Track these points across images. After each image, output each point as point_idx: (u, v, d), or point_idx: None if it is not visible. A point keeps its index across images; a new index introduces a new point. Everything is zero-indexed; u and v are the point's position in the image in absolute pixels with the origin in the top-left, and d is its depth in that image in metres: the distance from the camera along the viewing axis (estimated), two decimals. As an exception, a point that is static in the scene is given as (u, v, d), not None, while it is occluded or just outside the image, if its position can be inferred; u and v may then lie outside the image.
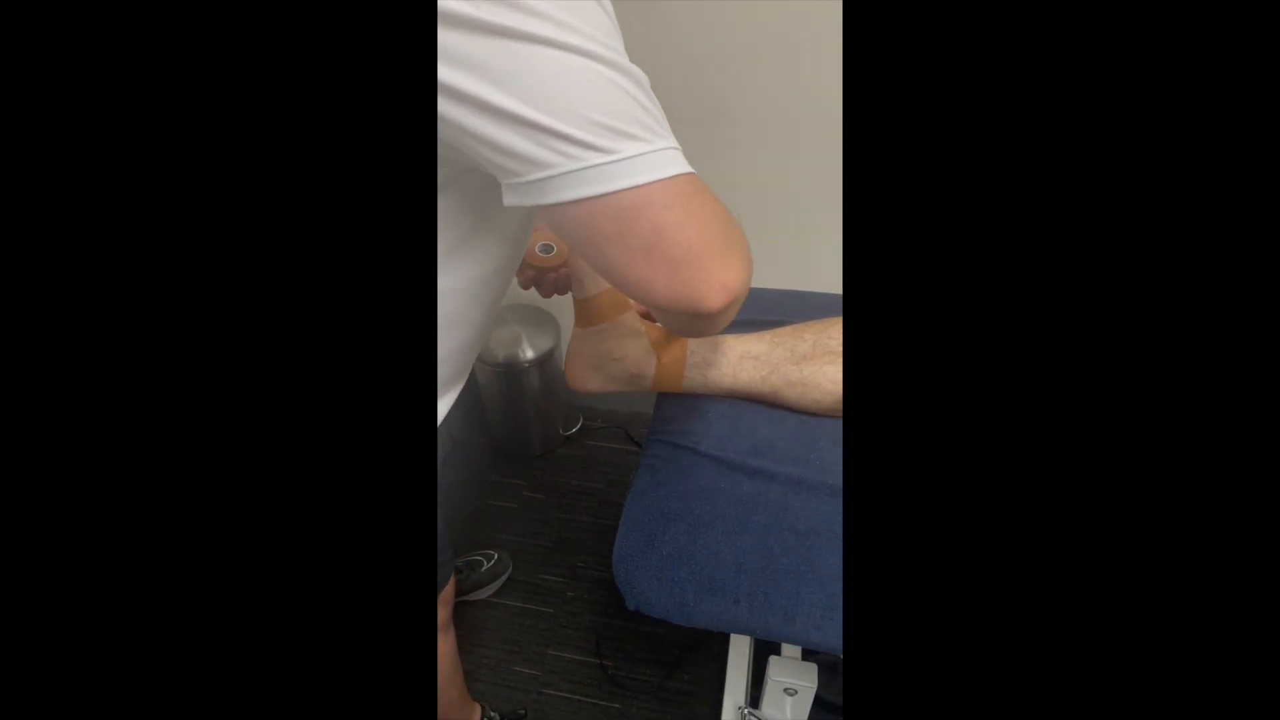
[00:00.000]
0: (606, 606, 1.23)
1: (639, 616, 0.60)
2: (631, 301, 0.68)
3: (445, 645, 0.85)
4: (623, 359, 0.68)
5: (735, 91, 1.09)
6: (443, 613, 0.80)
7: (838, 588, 0.55)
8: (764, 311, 0.86)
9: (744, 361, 0.68)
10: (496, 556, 1.28)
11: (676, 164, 0.38)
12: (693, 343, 0.69)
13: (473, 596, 1.24)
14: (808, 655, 0.90)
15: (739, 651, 1.01)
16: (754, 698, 0.99)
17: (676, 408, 0.73)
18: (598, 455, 1.51)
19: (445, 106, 0.36)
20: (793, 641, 0.56)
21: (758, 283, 0.94)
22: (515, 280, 0.67)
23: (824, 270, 1.16)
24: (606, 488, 1.44)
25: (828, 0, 1.00)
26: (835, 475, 0.62)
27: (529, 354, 1.35)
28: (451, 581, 0.79)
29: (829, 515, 0.59)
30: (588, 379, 0.71)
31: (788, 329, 0.68)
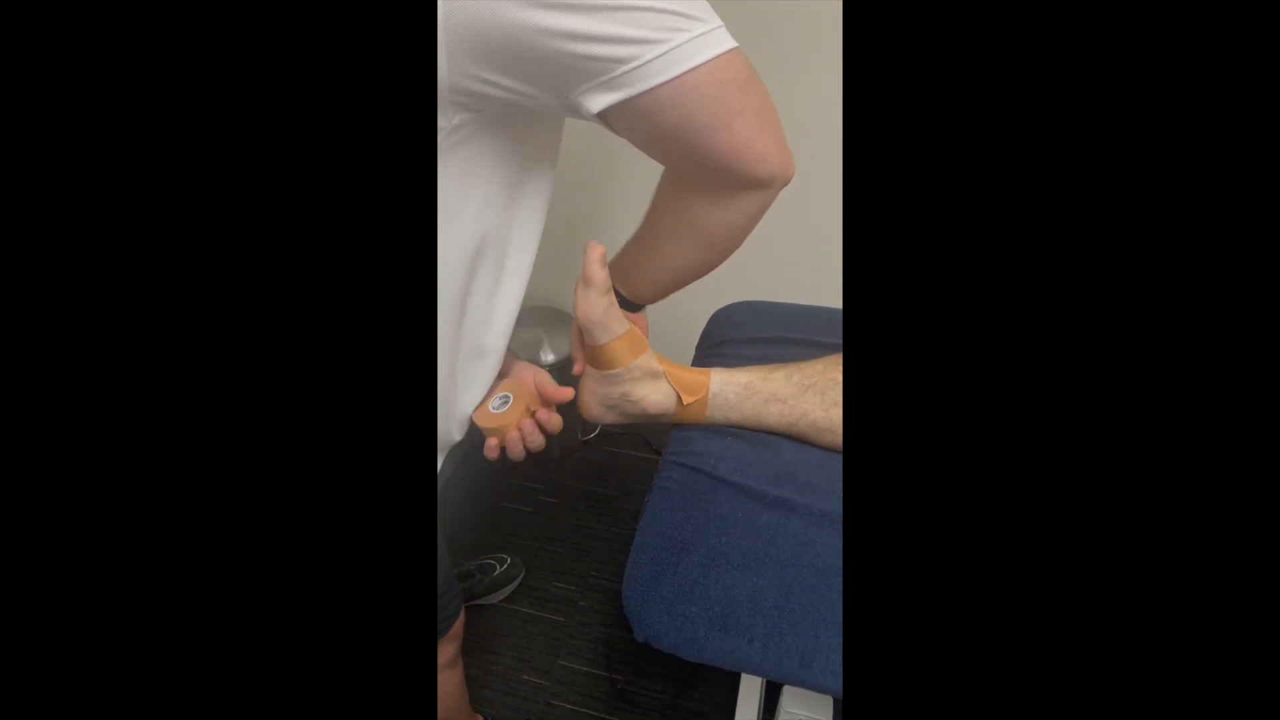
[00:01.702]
0: (618, 618, 1.21)
1: (637, 640, 0.57)
2: (648, 342, 0.65)
3: (454, 679, 0.83)
4: (640, 401, 0.65)
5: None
6: (452, 648, 0.79)
7: (858, 632, 0.52)
8: (792, 329, 0.83)
9: (770, 405, 0.65)
10: (509, 561, 1.27)
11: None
12: (715, 384, 0.66)
13: (483, 601, 1.23)
14: (823, 685, 0.87)
15: (751, 676, 0.98)
16: (766, 723, 0.96)
17: (695, 428, 0.70)
18: (616, 462, 1.49)
19: (541, 16, 0.38)
20: (808, 687, 0.53)
21: (784, 297, 0.92)
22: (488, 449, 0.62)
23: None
24: (623, 496, 1.42)
25: (828, 1, 0.96)
26: (860, 509, 0.59)
27: (549, 357, 1.33)
28: (461, 617, 0.77)
29: (852, 552, 0.56)
30: (603, 414, 0.68)
31: (819, 366, 0.64)
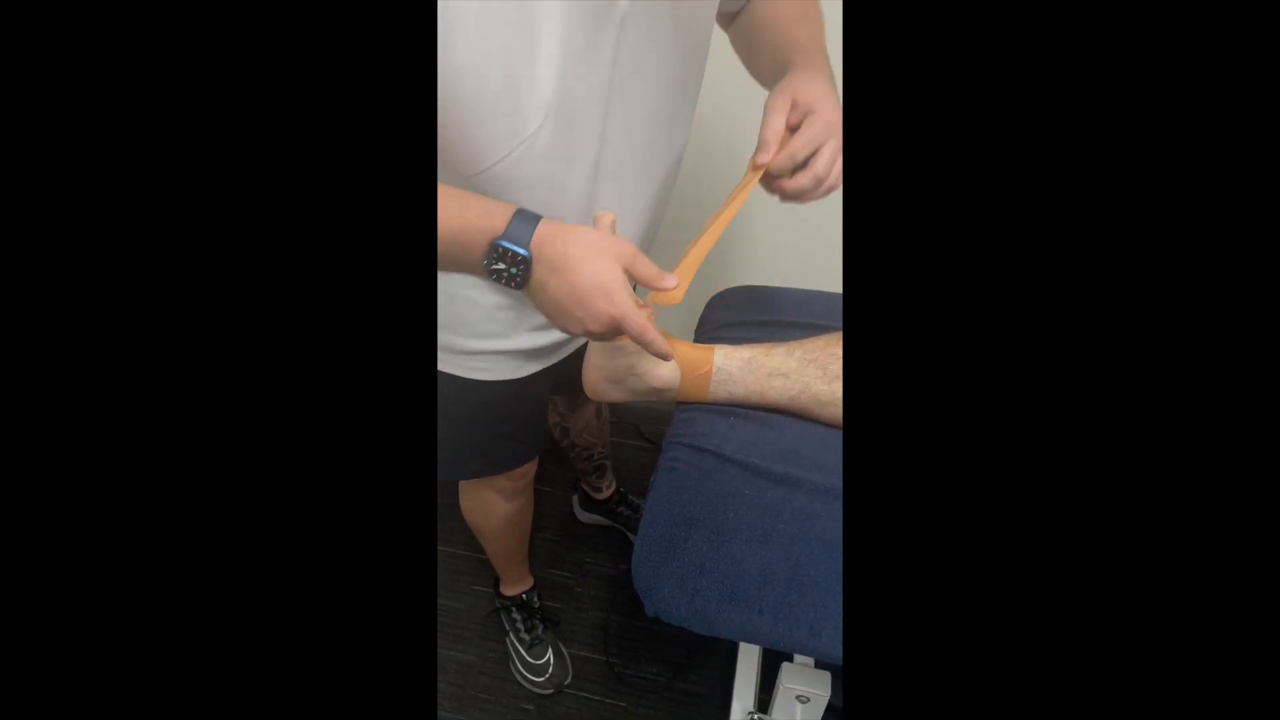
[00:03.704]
0: (614, 603, 1.22)
1: (647, 615, 0.59)
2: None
3: (513, 505, 0.97)
4: (645, 374, 0.66)
5: (757, 90, 1.06)
6: (522, 482, 0.93)
7: (865, 602, 0.53)
8: (790, 312, 0.84)
9: (772, 379, 0.66)
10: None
11: None
12: (719, 359, 0.67)
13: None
14: (822, 663, 0.89)
15: (749, 655, 1.00)
16: (763, 702, 0.97)
17: (698, 409, 0.71)
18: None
19: None
20: (819, 656, 0.54)
21: (785, 282, 0.93)
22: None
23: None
24: (617, 483, 1.42)
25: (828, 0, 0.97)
26: (863, 485, 0.60)
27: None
28: (535, 461, 0.92)
29: (856, 526, 0.58)
30: (608, 391, 0.68)
31: (820, 342, 0.66)
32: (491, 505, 0.97)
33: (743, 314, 0.86)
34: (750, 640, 0.56)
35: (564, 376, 0.82)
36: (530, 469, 0.93)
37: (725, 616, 0.55)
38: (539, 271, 0.47)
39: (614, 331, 0.49)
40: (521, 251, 0.46)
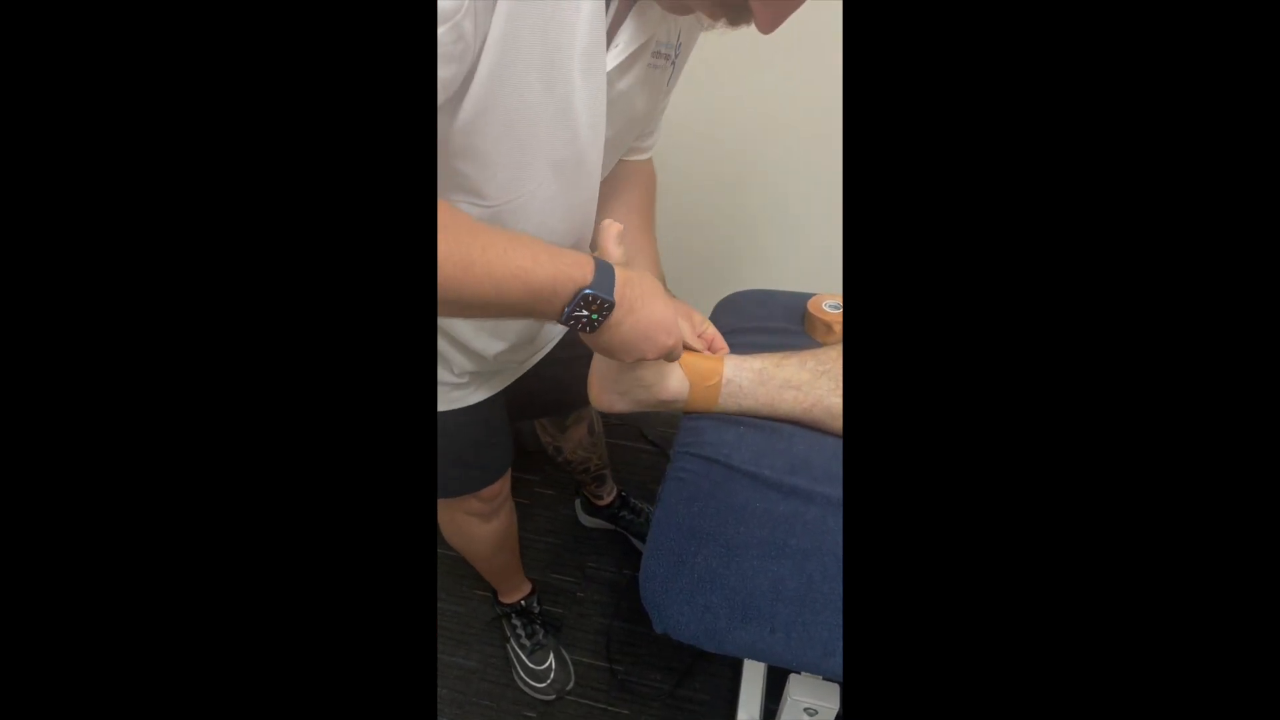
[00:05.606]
0: (617, 609, 1.20)
1: (650, 621, 0.57)
2: None
3: (492, 525, 0.93)
4: (652, 386, 0.64)
5: (758, 92, 1.05)
6: (494, 502, 0.89)
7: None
8: (794, 319, 0.83)
9: (784, 392, 0.64)
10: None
11: None
12: (729, 369, 0.65)
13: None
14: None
15: (754, 664, 0.99)
16: (768, 711, 0.96)
17: (707, 418, 0.69)
18: (611, 453, 1.48)
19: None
20: (833, 677, 0.53)
21: (788, 286, 0.91)
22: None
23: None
24: (619, 487, 1.41)
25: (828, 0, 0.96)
26: (876, 498, 0.59)
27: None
28: (509, 473, 0.88)
29: (870, 541, 0.56)
30: (613, 402, 0.67)
31: (833, 353, 0.64)
32: (469, 528, 0.93)
33: (749, 320, 0.85)
34: (762, 659, 0.55)
35: (523, 397, 0.81)
36: (501, 487, 0.89)
37: (736, 635, 0.54)
38: (616, 314, 0.51)
39: (663, 357, 0.57)
40: (609, 299, 0.50)
